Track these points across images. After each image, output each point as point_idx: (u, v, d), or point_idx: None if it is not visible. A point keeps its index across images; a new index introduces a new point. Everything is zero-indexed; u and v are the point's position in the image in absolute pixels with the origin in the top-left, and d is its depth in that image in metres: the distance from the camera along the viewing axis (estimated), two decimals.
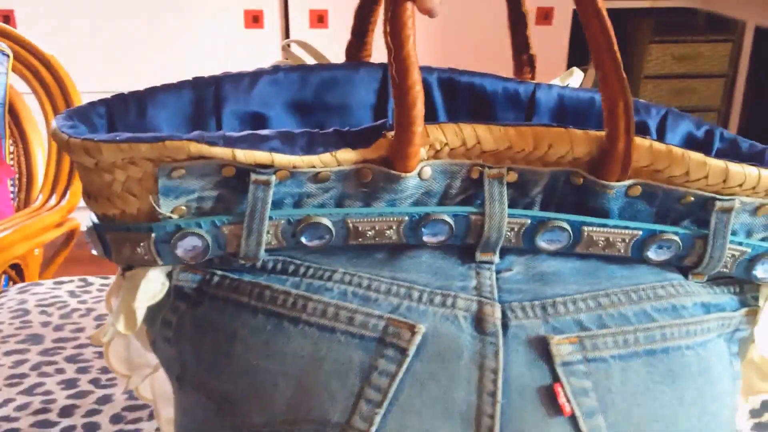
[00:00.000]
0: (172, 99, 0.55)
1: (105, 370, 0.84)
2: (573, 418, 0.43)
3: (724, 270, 0.48)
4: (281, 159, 0.43)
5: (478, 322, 0.44)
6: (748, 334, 0.50)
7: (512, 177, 0.46)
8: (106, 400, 0.77)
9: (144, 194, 0.45)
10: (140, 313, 0.48)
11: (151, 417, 0.73)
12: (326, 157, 0.44)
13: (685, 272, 0.48)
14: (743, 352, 0.52)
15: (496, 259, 0.47)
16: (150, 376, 0.60)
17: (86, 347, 0.91)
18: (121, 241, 0.46)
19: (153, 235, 0.45)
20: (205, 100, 0.56)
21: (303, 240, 0.46)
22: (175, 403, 0.51)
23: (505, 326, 0.44)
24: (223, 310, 0.47)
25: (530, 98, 0.60)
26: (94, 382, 0.81)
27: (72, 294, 1.06)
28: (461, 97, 0.60)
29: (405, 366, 0.43)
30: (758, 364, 0.55)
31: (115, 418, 0.73)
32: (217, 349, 0.46)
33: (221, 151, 0.42)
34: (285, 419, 0.44)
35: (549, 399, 0.43)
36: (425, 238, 0.46)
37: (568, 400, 0.43)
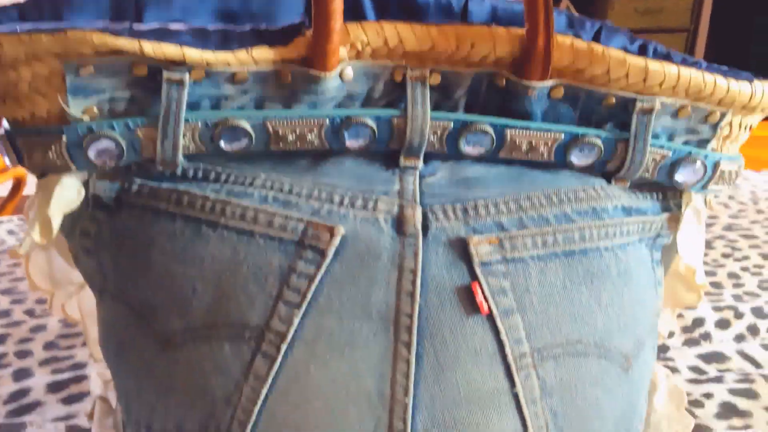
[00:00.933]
0: (89, 4, 0.53)
1: (40, 302, 0.82)
2: (490, 317, 0.43)
3: (646, 175, 0.48)
4: (193, 54, 0.41)
5: (399, 224, 0.44)
6: (671, 242, 0.51)
7: (435, 79, 0.45)
8: (39, 329, 0.75)
9: (52, 94, 0.43)
10: (56, 222, 0.46)
11: (84, 344, 0.72)
12: (242, 54, 0.42)
13: (608, 177, 0.49)
14: (667, 262, 0.53)
15: (420, 164, 0.46)
16: (77, 296, 0.58)
17: (22, 281, 0.89)
18: (32, 145, 0.45)
19: (64, 138, 0.43)
20: (124, 7, 0.54)
21: (222, 144, 0.45)
22: (98, 317, 0.50)
23: (425, 228, 0.44)
24: (141, 217, 0.45)
25: (463, 9, 0.59)
26: (29, 312, 0.80)
27: (10, 232, 1.04)
28: (392, 7, 0.59)
29: (324, 268, 0.43)
30: (683, 275, 0.56)
31: (48, 346, 0.72)
32: (136, 256, 0.45)
33: (128, 44, 0.40)
34: (204, 324, 0.43)
35: (467, 299, 0.43)
36: (348, 143, 0.45)
37: (486, 300, 0.43)
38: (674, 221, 0.50)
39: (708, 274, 0.88)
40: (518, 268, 0.44)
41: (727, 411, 0.60)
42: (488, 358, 0.43)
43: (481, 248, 0.44)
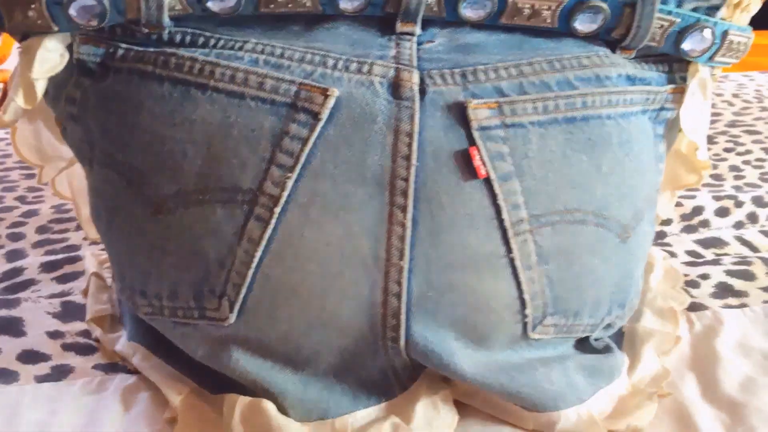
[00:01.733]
0: None
1: (32, 189, 0.81)
2: (488, 182, 0.42)
3: (652, 44, 0.46)
4: None
5: (395, 87, 0.42)
6: (675, 116, 0.50)
7: None
8: (32, 214, 0.75)
9: None
10: (39, 86, 0.45)
11: (78, 228, 0.71)
12: None
13: (612, 46, 0.47)
14: (671, 139, 0.52)
15: (418, 30, 0.44)
16: (67, 173, 0.57)
17: (13, 170, 0.88)
18: (11, 4, 0.43)
19: None
20: None
21: (209, 4, 0.43)
22: (88, 188, 0.49)
23: (422, 92, 0.43)
24: (128, 81, 0.44)
25: None
26: (20, 199, 0.79)
27: None
28: None
29: (317, 130, 0.41)
30: (685, 155, 0.55)
31: (41, 229, 0.72)
32: (123, 121, 0.44)
33: None
34: (196, 188, 0.42)
35: (464, 163, 0.42)
36: (342, 4, 0.43)
37: (484, 164, 0.42)
38: (679, 94, 0.49)
39: None
40: (517, 133, 0.43)
41: (723, 291, 0.60)
42: (485, 223, 0.43)
43: (480, 112, 0.42)
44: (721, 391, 0.50)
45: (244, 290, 0.43)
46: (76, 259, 0.64)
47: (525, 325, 0.45)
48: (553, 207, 0.44)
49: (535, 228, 0.44)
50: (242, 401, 0.45)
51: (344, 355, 0.45)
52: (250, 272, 0.42)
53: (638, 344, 0.53)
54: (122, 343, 0.53)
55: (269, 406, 0.45)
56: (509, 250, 0.43)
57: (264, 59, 0.43)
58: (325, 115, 0.41)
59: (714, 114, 1.08)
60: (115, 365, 0.52)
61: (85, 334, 0.55)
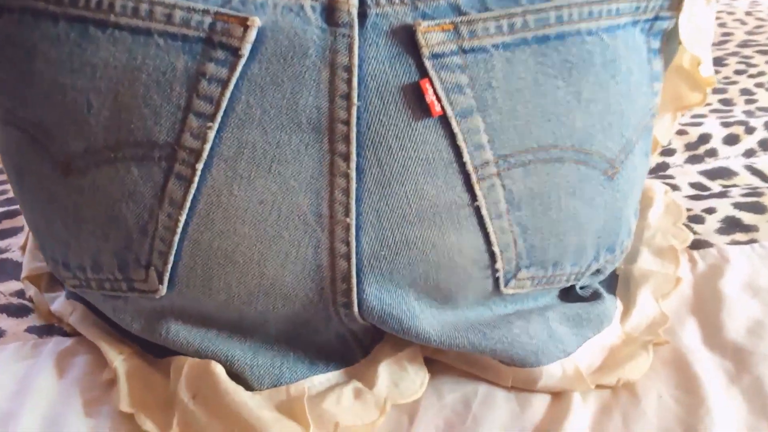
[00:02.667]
0: None
1: None
2: (444, 120, 0.36)
3: None
4: None
5: (329, 11, 0.36)
6: (673, 26, 0.42)
7: None
8: None
9: None
10: None
11: None
12: None
13: None
14: (669, 53, 0.45)
15: None
16: None
17: None
18: None
19: None
20: None
21: None
22: None
23: (363, 16, 0.36)
24: (19, 21, 0.37)
25: None
26: None
27: None
28: None
29: (239, 70, 0.35)
30: (688, 71, 0.48)
31: None
32: (17, 69, 0.38)
33: None
34: (106, 145, 0.37)
35: (415, 99, 0.36)
36: None
37: (438, 99, 0.36)
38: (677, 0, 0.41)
39: (717, 91, 0.80)
40: (478, 59, 0.36)
41: (731, 225, 0.54)
42: (443, 168, 0.37)
43: (432, 36, 0.36)
44: (726, 336, 0.45)
45: (171, 259, 0.37)
46: (15, 214, 0.59)
47: (496, 280, 0.40)
48: (524, 145, 0.37)
49: (504, 170, 0.37)
50: (190, 363, 0.41)
51: (294, 322, 0.40)
52: (176, 238, 0.37)
53: (633, 288, 0.48)
54: (59, 302, 0.48)
55: (219, 369, 0.40)
56: (473, 197, 0.37)
57: None
58: (246, 51, 0.35)
59: (724, 34, 0.98)
60: (50, 327, 0.48)
61: (20, 294, 0.51)
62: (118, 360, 0.43)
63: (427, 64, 0.36)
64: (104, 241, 0.38)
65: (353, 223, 0.37)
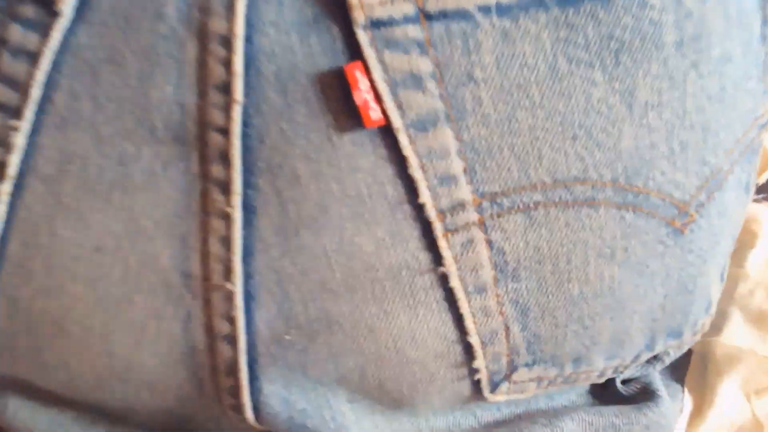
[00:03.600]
0: None
1: None
2: (388, 133, 0.22)
3: None
4: None
5: None
6: None
7: None
8: None
9: None
10: None
11: None
12: None
13: None
14: None
15: None
16: None
17: None
18: None
19: None
20: None
21: None
22: None
23: None
24: None
25: None
26: None
27: None
28: None
29: (56, 37, 0.22)
30: None
31: None
32: None
33: None
34: None
35: (340, 96, 0.21)
36: None
37: (378, 99, 0.21)
38: None
39: None
40: (453, 32, 0.21)
41: None
42: (387, 212, 0.22)
43: None
44: None
45: None
46: None
47: (476, 383, 0.25)
48: (528, 178, 0.23)
49: (492, 217, 0.23)
50: None
51: (175, 416, 0.27)
52: None
53: (713, 375, 0.32)
54: None
55: None
56: (437, 259, 0.23)
57: None
58: (67, 7, 0.21)
59: None
60: None
61: None
62: None
63: (362, 37, 0.21)
64: None
65: (239, 290, 0.23)
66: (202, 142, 0.22)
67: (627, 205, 0.24)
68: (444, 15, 0.21)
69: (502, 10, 0.21)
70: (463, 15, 0.21)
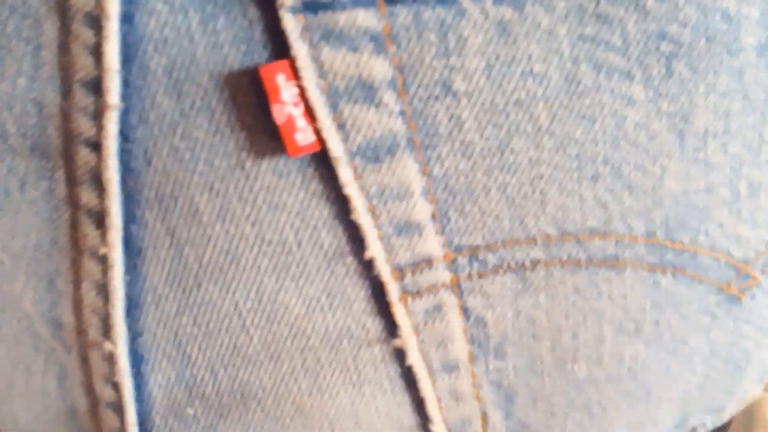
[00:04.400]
0: None
1: None
2: (322, 160, 0.15)
3: None
4: None
5: None
6: None
7: None
8: None
9: None
10: None
11: None
12: None
13: None
14: None
15: None
16: None
17: None
18: None
19: None
20: None
21: None
22: None
23: None
24: None
25: None
26: None
27: None
28: None
29: None
30: None
31: None
32: None
33: None
34: None
35: (257, 108, 0.15)
36: None
37: (309, 113, 0.15)
38: None
39: None
40: (425, 20, 0.15)
41: None
42: (322, 263, 0.16)
43: None
44: None
45: None
46: None
47: None
48: (525, 226, 0.16)
49: (470, 278, 0.16)
50: None
51: None
52: None
53: None
54: None
55: None
56: (391, 327, 0.17)
57: None
58: None
59: None
60: None
61: None
62: None
63: (289, 23, 0.14)
64: None
65: (121, 351, 0.17)
66: (68, 157, 0.16)
67: (664, 266, 0.17)
68: None
69: None
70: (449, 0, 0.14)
